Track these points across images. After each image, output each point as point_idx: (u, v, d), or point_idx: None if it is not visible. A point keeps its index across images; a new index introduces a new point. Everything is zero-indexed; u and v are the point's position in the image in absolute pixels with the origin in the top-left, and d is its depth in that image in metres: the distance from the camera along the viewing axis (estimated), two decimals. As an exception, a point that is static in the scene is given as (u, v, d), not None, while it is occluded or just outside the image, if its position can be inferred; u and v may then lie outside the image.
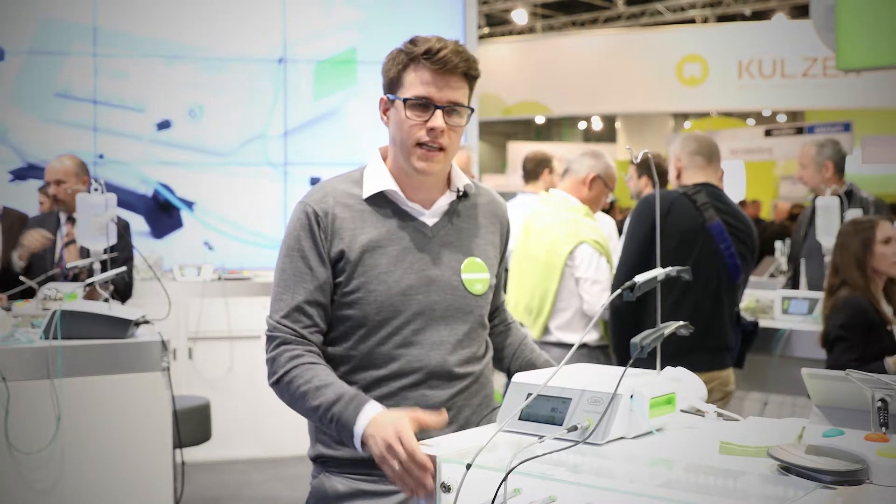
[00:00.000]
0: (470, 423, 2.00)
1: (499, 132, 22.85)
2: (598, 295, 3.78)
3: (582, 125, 23.98)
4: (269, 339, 1.96)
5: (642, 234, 3.58)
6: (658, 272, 1.64)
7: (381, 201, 2.01)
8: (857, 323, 3.44)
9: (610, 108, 18.40)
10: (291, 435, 4.51)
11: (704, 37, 16.67)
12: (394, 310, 1.95)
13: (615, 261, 3.84)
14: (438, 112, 1.93)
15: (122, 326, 3.40)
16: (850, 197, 4.61)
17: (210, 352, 5.82)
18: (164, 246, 6.82)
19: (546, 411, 1.57)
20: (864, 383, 1.43)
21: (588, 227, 3.89)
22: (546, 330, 3.88)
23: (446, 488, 1.49)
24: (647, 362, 1.63)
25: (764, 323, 4.19)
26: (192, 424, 4.43)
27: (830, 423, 1.47)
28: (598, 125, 23.03)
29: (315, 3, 7.22)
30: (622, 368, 1.56)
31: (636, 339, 1.52)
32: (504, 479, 1.36)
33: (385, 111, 2.02)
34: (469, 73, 1.96)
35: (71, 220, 4.72)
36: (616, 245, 4.18)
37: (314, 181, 6.93)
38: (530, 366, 2.14)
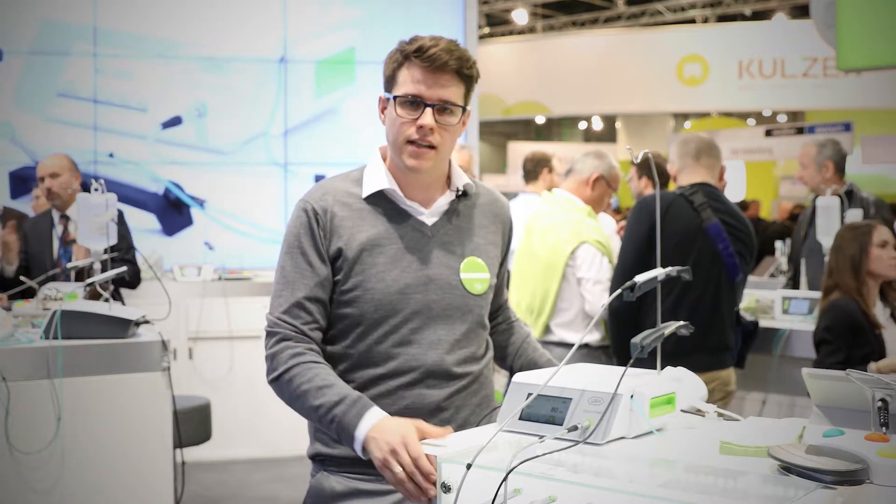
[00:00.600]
0: (469, 422, 2.00)
1: (499, 132, 22.86)
2: (599, 295, 3.78)
3: (582, 125, 23.98)
4: (270, 335, 1.95)
5: (639, 236, 3.58)
6: (658, 272, 1.63)
7: (380, 200, 2.01)
8: (841, 326, 3.48)
9: (610, 108, 18.40)
10: (291, 435, 4.50)
11: (705, 37, 16.67)
12: (391, 308, 1.95)
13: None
14: (428, 110, 1.92)
15: (123, 326, 3.40)
16: (850, 197, 4.61)
17: (210, 352, 5.82)
18: (176, 243, 6.87)
19: (546, 411, 1.57)
20: (864, 383, 1.43)
21: (590, 227, 3.89)
22: (548, 329, 3.88)
23: (446, 488, 1.49)
24: (647, 362, 1.63)
25: (764, 323, 4.19)
26: (193, 424, 4.44)
27: (831, 422, 1.47)
28: (598, 125, 23.03)
29: (315, 3, 7.22)
30: (622, 368, 1.56)
31: (636, 339, 1.52)
32: (504, 479, 1.36)
33: (382, 110, 2.02)
34: (462, 72, 1.94)
35: (65, 218, 4.71)
36: (616, 245, 4.18)
37: (318, 179, 6.94)
38: (532, 365, 2.13)
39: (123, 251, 4.49)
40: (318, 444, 2.01)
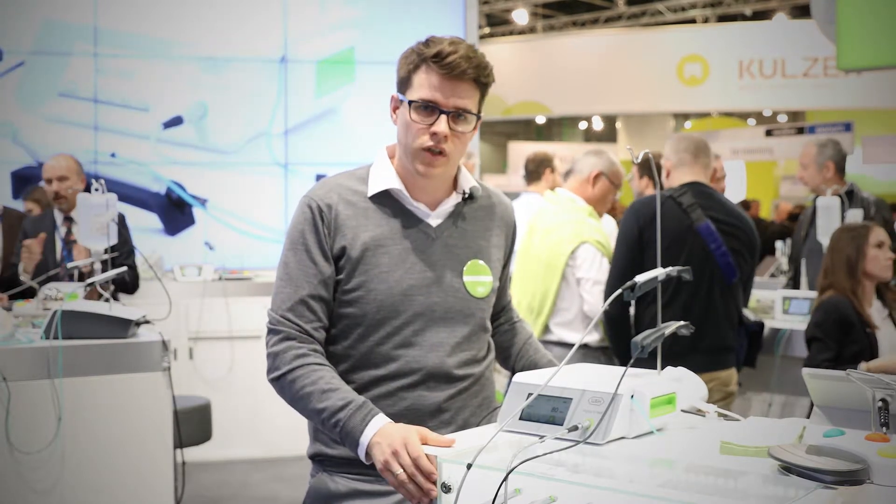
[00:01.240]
0: (469, 423, 2.00)
1: (499, 132, 22.85)
2: (599, 295, 3.77)
3: (582, 125, 23.97)
4: (272, 332, 1.94)
5: (631, 239, 3.58)
6: (658, 272, 1.63)
7: (385, 200, 2.00)
8: (831, 324, 3.49)
9: (610, 108, 18.38)
10: (291, 435, 4.51)
11: (705, 37, 16.65)
12: (394, 310, 1.94)
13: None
14: (443, 117, 1.90)
15: (123, 326, 3.40)
16: (850, 197, 4.61)
17: (210, 352, 5.82)
18: (177, 243, 6.87)
19: (547, 411, 1.57)
20: (864, 383, 1.43)
21: (591, 227, 3.88)
22: (547, 329, 3.88)
23: (447, 488, 1.49)
24: (647, 362, 1.63)
25: (764, 323, 4.19)
26: (193, 424, 4.44)
27: (831, 423, 1.47)
28: (598, 125, 23.02)
29: (315, 3, 7.22)
30: (622, 368, 1.56)
31: (637, 339, 1.52)
32: (505, 479, 1.36)
33: (395, 109, 2.00)
34: (479, 80, 1.92)
35: (68, 220, 4.71)
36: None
37: (319, 178, 6.94)
38: (533, 365, 2.13)
39: (123, 255, 4.48)
40: (319, 445, 2.00)
